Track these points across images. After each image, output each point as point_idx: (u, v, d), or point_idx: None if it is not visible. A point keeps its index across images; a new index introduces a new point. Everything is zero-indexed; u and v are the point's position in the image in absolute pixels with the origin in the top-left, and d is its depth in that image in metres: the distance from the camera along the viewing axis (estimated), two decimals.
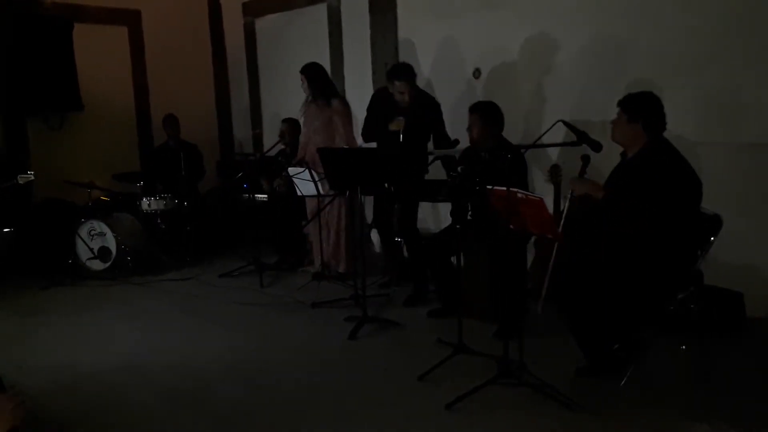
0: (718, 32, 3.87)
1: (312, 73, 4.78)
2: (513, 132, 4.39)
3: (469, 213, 4.07)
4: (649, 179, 2.89)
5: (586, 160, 3.30)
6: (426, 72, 5.36)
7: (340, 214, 4.90)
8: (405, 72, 4.43)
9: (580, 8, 4.41)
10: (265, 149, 6.43)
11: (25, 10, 6.02)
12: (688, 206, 2.93)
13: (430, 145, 4.67)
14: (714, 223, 3.06)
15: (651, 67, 4.09)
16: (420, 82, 4.98)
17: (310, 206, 5.03)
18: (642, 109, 3.00)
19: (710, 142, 3.74)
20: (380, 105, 4.57)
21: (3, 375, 2.92)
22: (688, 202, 2.92)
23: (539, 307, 3.48)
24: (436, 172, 4.58)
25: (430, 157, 4.50)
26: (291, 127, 5.66)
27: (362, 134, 4.78)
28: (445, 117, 4.94)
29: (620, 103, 3.09)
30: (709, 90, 3.88)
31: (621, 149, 3.18)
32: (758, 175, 3.80)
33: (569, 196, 3.31)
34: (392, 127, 4.37)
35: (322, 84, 4.81)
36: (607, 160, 3.31)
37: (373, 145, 4.83)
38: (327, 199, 4.68)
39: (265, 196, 5.79)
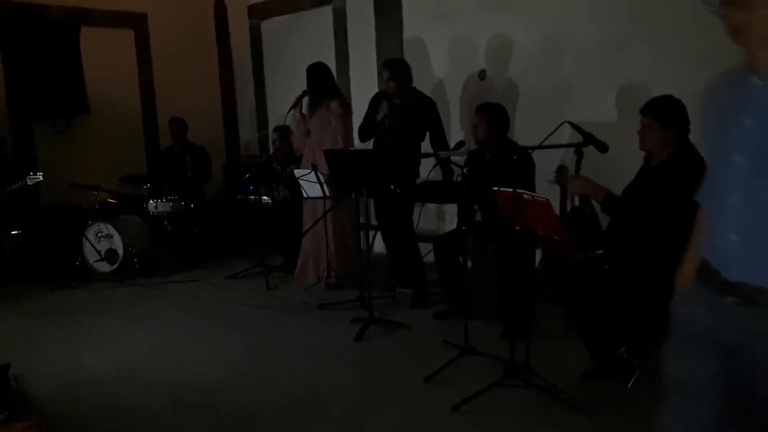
0: (709, 34, 3.85)
1: (313, 72, 4.79)
2: (518, 133, 4.39)
3: (477, 213, 4.08)
4: (677, 188, 2.85)
5: (579, 154, 3.27)
6: (431, 73, 5.36)
7: (335, 218, 4.87)
8: (389, 62, 4.59)
9: (583, 9, 4.40)
10: (271, 152, 6.46)
11: (33, 14, 6.06)
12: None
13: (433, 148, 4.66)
14: None
15: (645, 68, 4.09)
16: (425, 83, 4.98)
17: (306, 211, 5.02)
18: (676, 116, 2.93)
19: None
20: (376, 106, 4.62)
21: (11, 378, 2.94)
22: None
23: None
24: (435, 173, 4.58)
25: (433, 160, 4.49)
26: (282, 135, 5.71)
27: (358, 133, 4.80)
28: (451, 118, 4.94)
29: (648, 112, 2.99)
30: (701, 90, 3.86)
31: (612, 151, 3.15)
32: None
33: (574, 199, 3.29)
34: (378, 116, 4.44)
35: (322, 83, 4.80)
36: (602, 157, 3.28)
37: (369, 144, 4.85)
38: (332, 202, 4.68)
39: (269, 199, 5.81)
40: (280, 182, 5.64)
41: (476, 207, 4.12)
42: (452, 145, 4.49)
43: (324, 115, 4.80)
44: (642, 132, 3.04)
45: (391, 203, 4.62)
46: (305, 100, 4.91)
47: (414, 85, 4.62)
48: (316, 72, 4.80)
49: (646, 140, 3.03)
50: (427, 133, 4.57)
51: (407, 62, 4.65)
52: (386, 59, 4.83)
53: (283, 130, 5.69)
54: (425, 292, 4.54)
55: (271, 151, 5.78)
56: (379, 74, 5.77)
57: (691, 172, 2.87)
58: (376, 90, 5.69)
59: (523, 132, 4.63)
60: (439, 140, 4.55)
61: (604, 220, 3.23)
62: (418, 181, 4.59)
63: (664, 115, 2.95)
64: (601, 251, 3.06)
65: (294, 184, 4.96)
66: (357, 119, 4.94)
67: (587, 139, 3.14)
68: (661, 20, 4.05)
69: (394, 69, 4.51)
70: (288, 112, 4.92)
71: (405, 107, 4.50)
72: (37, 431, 1.77)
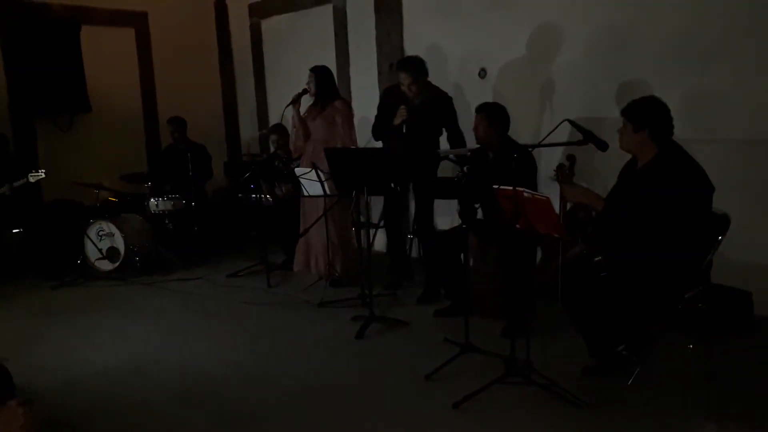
0: (710, 34, 3.88)
1: (321, 73, 4.83)
2: (519, 131, 4.39)
3: (478, 211, 4.10)
4: (663, 193, 2.84)
5: (572, 160, 3.28)
6: (431, 72, 5.36)
7: (338, 215, 4.89)
8: (408, 64, 4.46)
9: (584, 7, 4.41)
10: (271, 150, 6.47)
11: (34, 12, 6.07)
12: (700, 213, 2.90)
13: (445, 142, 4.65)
14: (722, 223, 3.05)
15: (645, 67, 4.11)
16: None
17: (304, 208, 5.05)
18: (647, 118, 2.93)
19: (707, 139, 3.73)
20: (389, 102, 4.58)
21: (14, 374, 2.95)
22: (700, 209, 2.90)
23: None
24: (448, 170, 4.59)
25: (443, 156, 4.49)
26: (281, 133, 5.73)
27: (372, 132, 4.80)
28: None
29: (624, 112, 3.01)
30: (701, 89, 3.87)
31: (612, 149, 3.15)
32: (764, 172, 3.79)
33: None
34: (396, 121, 4.41)
35: (328, 86, 4.84)
36: (598, 156, 3.28)
37: (380, 144, 4.85)
38: (333, 201, 4.69)
39: (270, 197, 5.82)
40: (282, 179, 5.66)
41: (477, 205, 4.14)
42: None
43: (329, 115, 4.82)
44: (620, 132, 3.06)
45: (395, 202, 4.63)
46: (302, 99, 4.92)
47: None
48: (326, 74, 4.84)
49: (622, 140, 3.05)
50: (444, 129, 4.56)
51: (421, 57, 4.51)
52: (401, 60, 4.68)
53: (281, 129, 5.71)
54: (438, 289, 4.54)
55: (272, 149, 5.79)
56: (380, 72, 5.79)
57: (676, 175, 2.89)
58: (377, 88, 5.70)
59: (524, 130, 4.64)
60: (455, 137, 4.50)
61: None
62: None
63: (635, 116, 2.96)
64: (599, 258, 3.06)
65: (296, 181, 4.97)
66: (356, 119, 4.96)
67: (587, 137, 3.14)
68: (661, 18, 4.07)
69: (415, 71, 4.37)
70: (285, 108, 4.93)
71: (423, 107, 4.44)
72: (29, 410, 1.77)
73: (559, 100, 4.59)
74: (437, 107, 4.47)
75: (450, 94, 4.63)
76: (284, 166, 5.54)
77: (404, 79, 4.39)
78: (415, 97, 4.43)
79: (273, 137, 5.93)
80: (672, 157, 2.93)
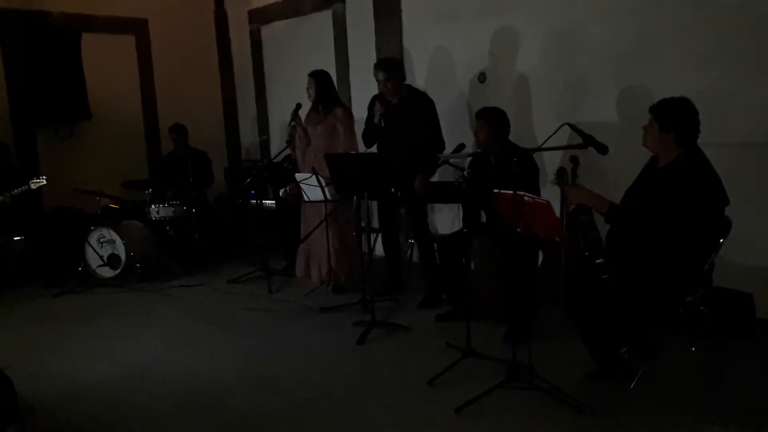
0: (710, 36, 3.87)
1: (321, 78, 4.84)
2: (519, 136, 4.40)
3: (482, 216, 4.10)
4: (677, 196, 2.83)
5: (575, 162, 3.27)
6: (431, 77, 5.37)
7: (341, 220, 4.90)
8: (382, 63, 4.62)
9: (584, 11, 4.41)
10: (272, 156, 6.47)
11: (34, 21, 6.09)
12: (709, 221, 2.89)
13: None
14: (724, 226, 3.04)
15: (646, 71, 4.11)
16: (425, 87, 4.98)
17: (306, 214, 5.05)
18: (674, 119, 2.92)
19: (707, 143, 3.73)
20: (373, 108, 4.64)
21: (15, 383, 2.95)
22: (711, 217, 2.89)
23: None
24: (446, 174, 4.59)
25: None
26: None
27: (362, 139, 4.83)
28: (450, 121, 4.94)
29: (652, 110, 3.00)
30: (701, 92, 3.87)
31: (612, 152, 3.14)
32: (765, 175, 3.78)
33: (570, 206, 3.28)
34: (375, 119, 4.51)
35: (328, 91, 4.85)
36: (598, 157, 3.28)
37: (374, 150, 4.87)
38: (333, 206, 4.69)
39: (273, 202, 5.81)
40: (288, 182, 5.63)
41: (481, 209, 4.14)
42: (452, 146, 4.50)
43: (330, 123, 4.83)
44: (645, 129, 3.05)
45: (393, 207, 4.63)
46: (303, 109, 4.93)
47: (408, 83, 4.65)
48: (325, 79, 4.85)
49: (647, 139, 3.05)
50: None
51: (399, 60, 4.65)
52: (378, 60, 4.86)
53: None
54: (438, 293, 4.52)
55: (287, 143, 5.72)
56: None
57: (693, 180, 2.88)
58: (376, 93, 5.70)
59: (525, 134, 4.64)
60: (435, 138, 4.51)
61: (602, 227, 3.22)
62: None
63: (662, 116, 2.95)
64: (601, 260, 3.05)
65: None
66: (357, 124, 4.96)
67: (587, 141, 3.14)
68: (662, 21, 4.07)
69: (390, 69, 4.53)
70: (290, 125, 4.94)
71: (402, 106, 4.52)
72: None
73: (561, 103, 4.59)
74: (416, 107, 4.54)
75: (450, 99, 4.64)
76: (293, 168, 5.51)
77: (380, 77, 4.51)
78: (391, 96, 4.52)
79: (292, 132, 5.87)
80: (692, 162, 2.92)
